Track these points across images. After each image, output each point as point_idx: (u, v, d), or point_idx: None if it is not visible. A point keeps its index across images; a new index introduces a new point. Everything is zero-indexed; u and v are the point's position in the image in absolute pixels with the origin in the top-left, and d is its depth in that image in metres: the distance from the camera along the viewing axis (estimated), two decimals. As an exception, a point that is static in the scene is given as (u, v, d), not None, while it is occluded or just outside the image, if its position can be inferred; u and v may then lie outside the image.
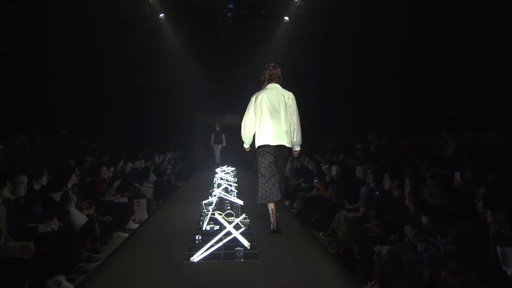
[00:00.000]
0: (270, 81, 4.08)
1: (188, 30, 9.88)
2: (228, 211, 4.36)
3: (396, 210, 3.70)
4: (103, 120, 9.43)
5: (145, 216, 5.98)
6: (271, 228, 3.88)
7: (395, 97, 8.35)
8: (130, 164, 6.87)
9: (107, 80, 9.23)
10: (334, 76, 10.01)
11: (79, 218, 4.18)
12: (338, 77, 9.97)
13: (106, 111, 9.47)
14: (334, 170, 5.79)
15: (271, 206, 3.93)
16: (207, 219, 4.06)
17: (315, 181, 6.41)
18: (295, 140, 3.99)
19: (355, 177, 5.19)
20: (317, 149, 9.13)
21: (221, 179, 7.04)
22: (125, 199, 5.63)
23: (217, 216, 4.19)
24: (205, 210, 4.36)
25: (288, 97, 3.98)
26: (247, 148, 4.29)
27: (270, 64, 4.14)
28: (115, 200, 5.51)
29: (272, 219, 3.91)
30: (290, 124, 3.96)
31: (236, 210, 4.42)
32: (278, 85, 4.07)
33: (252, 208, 4.87)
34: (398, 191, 3.85)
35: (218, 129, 11.33)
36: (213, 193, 5.49)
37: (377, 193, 4.43)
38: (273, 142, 3.92)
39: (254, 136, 4.05)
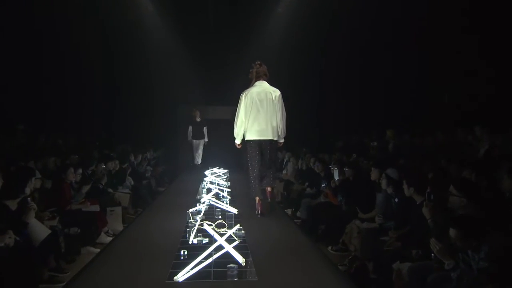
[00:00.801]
0: (258, 78, 5.18)
1: (172, 6, 10.20)
2: (219, 221, 4.40)
3: (419, 221, 3.70)
4: (69, 113, 9.43)
5: (120, 227, 6.00)
6: (260, 215, 5.19)
7: (417, 86, 8.41)
8: (102, 166, 6.88)
9: (73, 66, 9.28)
10: (344, 60, 10.20)
11: (40, 230, 4.16)
12: (349, 62, 10.15)
13: (72, 102, 9.48)
14: (345, 172, 5.82)
15: (258, 199, 5.22)
16: (195, 231, 4.07)
17: (323, 185, 6.45)
18: (280, 133, 5.21)
19: (369, 181, 5.21)
20: (325, 148, 9.18)
21: (211, 183, 7.06)
22: (96, 208, 5.64)
23: (206, 227, 4.21)
24: (192, 220, 4.39)
25: (275, 93, 5.11)
26: (239, 145, 5.38)
27: (256, 62, 5.23)
28: (84, 209, 5.52)
29: (258, 207, 5.23)
30: (276, 119, 5.10)
31: (229, 220, 4.43)
32: (265, 82, 5.17)
33: (248, 217, 4.89)
34: (420, 198, 3.86)
35: (198, 119, 10.71)
36: (202, 200, 5.52)
37: (396, 200, 4.45)
38: (260, 136, 5.10)
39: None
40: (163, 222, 5.05)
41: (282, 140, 5.33)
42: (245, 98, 5.14)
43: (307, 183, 7.38)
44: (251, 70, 5.27)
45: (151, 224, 5.05)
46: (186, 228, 4.30)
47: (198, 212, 4.79)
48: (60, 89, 9.03)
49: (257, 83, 5.19)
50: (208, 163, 10.20)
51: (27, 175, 4.38)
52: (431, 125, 7.86)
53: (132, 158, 8.57)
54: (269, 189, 5.38)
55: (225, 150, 10.39)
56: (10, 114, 7.63)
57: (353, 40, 9.79)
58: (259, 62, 5.24)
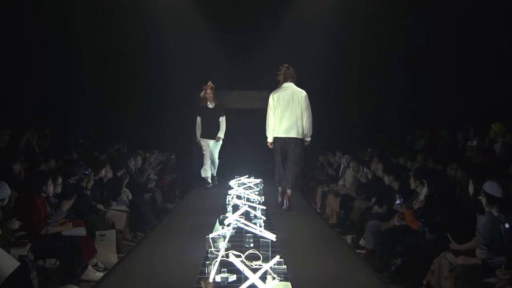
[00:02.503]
0: (285, 80, 7.52)
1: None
2: (251, 250, 4.41)
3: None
4: (46, 101, 9.95)
5: (114, 258, 6.06)
6: (284, 208, 7.48)
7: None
8: (89, 172, 6.96)
9: (53, 38, 10.01)
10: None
11: (5, 262, 4.18)
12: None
13: (48, 85, 10.05)
14: (429, 185, 5.72)
15: (280, 188, 7.72)
16: (217, 264, 4.05)
17: (397, 202, 6.40)
18: (306, 132, 7.52)
19: (466, 198, 5.23)
20: (400, 149, 9.19)
21: (239, 197, 6.98)
22: (81, 231, 5.65)
23: (233, 259, 4.13)
24: (213, 250, 4.38)
25: (301, 94, 7.44)
26: (271, 144, 7.68)
27: (284, 65, 7.56)
28: (65, 233, 5.53)
29: (285, 200, 7.55)
30: (302, 118, 7.40)
31: (265, 250, 4.42)
32: (292, 84, 7.51)
33: (291, 245, 4.95)
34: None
35: (211, 103, 9.73)
36: (226, 222, 5.44)
37: (507, 225, 4.34)
38: (286, 134, 7.44)
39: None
40: (172, 252, 5.07)
41: (308, 139, 7.62)
42: (273, 98, 7.50)
43: (374, 199, 7.37)
44: (278, 73, 7.57)
45: (156, 255, 5.07)
46: (205, 260, 4.30)
47: (222, 238, 4.74)
48: (34, 69, 9.72)
49: (284, 84, 7.51)
50: (233, 170, 9.98)
51: None
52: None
53: (130, 163, 8.69)
54: (288, 192, 7.52)
55: (258, 152, 10.64)
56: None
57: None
58: (286, 65, 7.55)
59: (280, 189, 7.71)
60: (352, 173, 8.74)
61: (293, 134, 7.40)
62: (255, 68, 11.83)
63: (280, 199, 7.67)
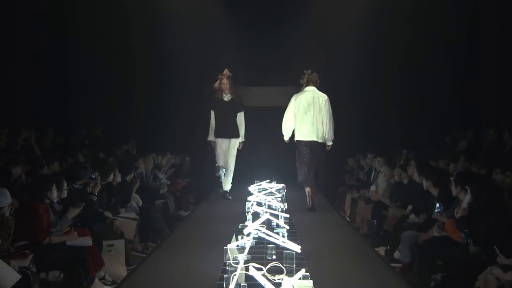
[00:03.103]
0: (308, 84, 8.45)
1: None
2: (273, 263, 4.34)
3: None
4: (47, 98, 10.16)
5: (123, 271, 6.07)
6: (308, 207, 8.43)
7: None
8: (95, 177, 6.87)
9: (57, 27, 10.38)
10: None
11: (5, 275, 4.19)
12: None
13: (49, 81, 10.31)
14: (472, 191, 5.66)
15: (307, 189, 8.54)
16: (235, 279, 3.96)
17: (436, 210, 6.28)
18: (327, 136, 8.40)
19: None
20: (438, 151, 9.16)
21: (260, 204, 6.98)
22: (87, 241, 5.65)
23: (253, 272, 4.05)
24: (232, 262, 4.31)
25: (322, 99, 8.36)
26: (287, 141, 8.76)
27: (307, 71, 8.50)
28: (70, 243, 5.52)
29: (308, 199, 8.50)
30: (322, 122, 8.31)
31: (289, 262, 4.38)
32: (314, 88, 8.44)
33: (318, 258, 5.03)
34: None
35: (227, 96, 9.32)
36: (246, 231, 5.38)
37: None
38: (307, 137, 8.35)
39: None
40: (187, 265, 5.11)
41: (330, 143, 8.54)
42: (295, 101, 8.46)
43: (410, 207, 7.29)
44: (302, 77, 8.52)
45: (168, 268, 5.12)
46: (223, 273, 4.25)
47: (241, 249, 4.75)
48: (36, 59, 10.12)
49: (307, 88, 8.46)
50: (253, 173, 10.07)
51: None
52: None
53: (140, 166, 8.71)
54: (308, 190, 8.54)
55: (280, 154, 10.83)
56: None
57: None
58: (310, 71, 8.53)
59: (307, 190, 8.58)
60: (385, 178, 8.65)
61: (313, 137, 8.33)
62: (277, 63, 11.99)
63: (309, 200, 8.54)
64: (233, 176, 9.80)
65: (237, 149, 9.46)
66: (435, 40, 11.60)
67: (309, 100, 8.31)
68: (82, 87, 11.68)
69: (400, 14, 11.47)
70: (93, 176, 6.93)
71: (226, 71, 9.14)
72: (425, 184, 6.86)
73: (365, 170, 10.53)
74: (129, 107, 12.15)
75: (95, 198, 6.72)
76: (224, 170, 9.40)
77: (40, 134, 8.80)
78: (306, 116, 8.28)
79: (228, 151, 9.34)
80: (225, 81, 9.14)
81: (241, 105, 9.38)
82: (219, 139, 9.31)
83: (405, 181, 7.91)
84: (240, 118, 9.33)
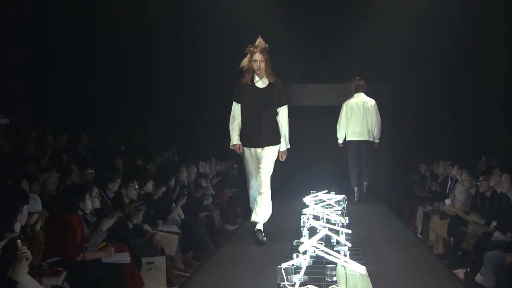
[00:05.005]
0: (356, 90, 9.95)
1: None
2: (334, 285, 4.33)
3: None
4: (80, 101, 10.60)
5: (164, 293, 6.00)
6: (355, 201, 9.96)
7: None
8: (133, 186, 6.83)
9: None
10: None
11: None
12: None
13: (83, 84, 10.78)
14: None
15: (355, 188, 10.19)
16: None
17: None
18: (375, 135, 10.02)
19: None
20: None
21: (317, 218, 6.86)
22: (124, 257, 5.50)
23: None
24: (286, 284, 4.29)
25: (370, 103, 9.89)
26: (341, 144, 10.19)
27: (355, 78, 10.00)
28: (106, 260, 5.37)
29: (355, 194, 10.09)
30: (371, 123, 9.90)
31: (352, 285, 4.43)
32: (362, 93, 9.96)
33: (385, 281, 4.88)
34: None
35: (262, 83, 6.71)
36: (302, 249, 5.25)
37: None
38: (358, 137, 9.93)
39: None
40: (235, 286, 5.11)
41: (377, 141, 10.12)
42: (345, 107, 9.97)
43: (494, 223, 6.79)
44: (351, 84, 10.02)
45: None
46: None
47: (297, 270, 4.60)
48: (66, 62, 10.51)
49: (356, 94, 9.97)
50: (309, 183, 9.98)
51: (16, 204, 4.23)
52: None
53: (182, 174, 8.62)
54: (365, 183, 10.18)
55: (340, 160, 11.10)
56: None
57: None
58: (358, 78, 9.97)
59: (356, 189, 10.13)
60: (464, 188, 8.25)
61: (364, 137, 9.94)
62: (335, 59, 12.00)
63: (357, 197, 10.10)
64: (284, 187, 10.46)
65: (279, 160, 6.91)
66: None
67: (358, 105, 9.88)
68: (120, 89, 11.85)
69: (475, 9, 11.25)
70: (132, 186, 6.95)
71: (259, 40, 6.52)
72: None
73: (439, 180, 10.20)
74: (170, 110, 12.38)
75: (144, 209, 6.63)
76: (256, 219, 6.80)
77: (73, 139, 8.93)
78: (357, 119, 9.85)
79: (262, 164, 6.70)
80: (258, 56, 6.46)
81: (283, 94, 6.73)
82: (248, 151, 6.86)
83: (488, 193, 7.38)
84: (283, 115, 6.75)
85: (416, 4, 11.53)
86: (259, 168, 6.64)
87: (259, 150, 6.66)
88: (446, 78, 12.13)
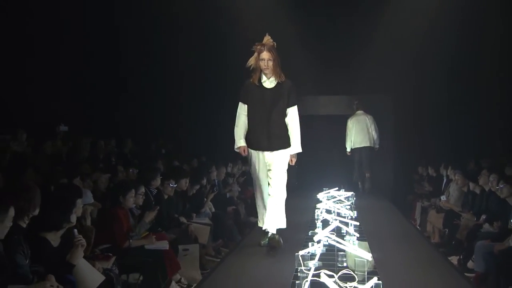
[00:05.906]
0: (358, 109, 11.80)
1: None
2: (344, 270, 4.37)
3: None
4: (122, 105, 10.64)
5: (198, 275, 6.17)
6: (361, 191, 11.64)
7: None
8: (171, 184, 6.97)
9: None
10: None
11: (91, 276, 4.22)
12: None
13: (134, 91, 10.89)
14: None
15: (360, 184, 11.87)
16: (307, 284, 4.06)
17: (512, 220, 6.16)
18: (375, 141, 11.75)
19: None
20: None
21: (329, 212, 7.09)
22: (164, 245, 5.74)
23: (325, 279, 4.14)
24: (303, 268, 4.38)
25: (369, 119, 11.73)
26: (349, 152, 11.87)
27: (355, 101, 11.90)
28: (148, 246, 5.63)
29: (359, 184, 11.89)
30: (370, 133, 11.69)
31: (360, 270, 4.37)
32: (362, 111, 11.78)
33: (389, 266, 4.97)
34: None
35: (270, 83, 6.04)
36: (316, 238, 5.49)
37: None
38: (360, 144, 11.68)
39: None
40: (259, 270, 5.11)
41: (377, 146, 11.80)
42: (349, 122, 11.72)
43: (484, 216, 7.10)
44: (353, 105, 11.90)
45: (242, 273, 5.11)
46: (294, 279, 4.32)
47: (312, 256, 4.77)
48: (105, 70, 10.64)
49: (357, 112, 11.76)
50: (322, 181, 10.15)
51: (72, 197, 4.50)
52: None
53: (213, 173, 8.88)
54: (367, 174, 11.71)
55: (349, 162, 11.04)
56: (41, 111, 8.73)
57: None
58: (357, 101, 11.86)
59: (360, 184, 11.84)
60: (457, 187, 8.50)
61: (364, 144, 11.61)
62: (345, 73, 12.06)
63: (360, 186, 11.82)
64: (300, 185, 10.89)
65: (288, 164, 6.15)
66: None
67: (359, 120, 11.65)
68: (163, 101, 12.03)
69: (468, 17, 11.21)
70: (171, 185, 7.01)
71: (266, 38, 5.90)
72: (501, 192, 6.66)
73: (435, 178, 10.41)
74: (202, 120, 12.40)
75: (169, 205, 6.86)
76: (268, 228, 6.03)
77: (120, 143, 9.13)
78: (359, 131, 11.61)
79: (273, 171, 6.01)
80: (265, 54, 5.84)
81: (292, 95, 6.03)
82: (256, 154, 6.12)
83: (477, 191, 7.70)
84: (292, 116, 6.02)
85: (420, 22, 11.50)
86: (269, 175, 6.01)
87: (267, 153, 6.01)
88: (444, 90, 12.14)
